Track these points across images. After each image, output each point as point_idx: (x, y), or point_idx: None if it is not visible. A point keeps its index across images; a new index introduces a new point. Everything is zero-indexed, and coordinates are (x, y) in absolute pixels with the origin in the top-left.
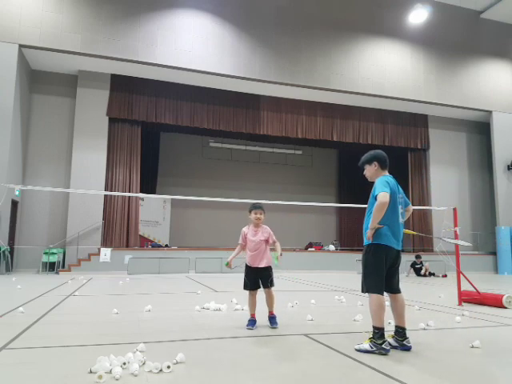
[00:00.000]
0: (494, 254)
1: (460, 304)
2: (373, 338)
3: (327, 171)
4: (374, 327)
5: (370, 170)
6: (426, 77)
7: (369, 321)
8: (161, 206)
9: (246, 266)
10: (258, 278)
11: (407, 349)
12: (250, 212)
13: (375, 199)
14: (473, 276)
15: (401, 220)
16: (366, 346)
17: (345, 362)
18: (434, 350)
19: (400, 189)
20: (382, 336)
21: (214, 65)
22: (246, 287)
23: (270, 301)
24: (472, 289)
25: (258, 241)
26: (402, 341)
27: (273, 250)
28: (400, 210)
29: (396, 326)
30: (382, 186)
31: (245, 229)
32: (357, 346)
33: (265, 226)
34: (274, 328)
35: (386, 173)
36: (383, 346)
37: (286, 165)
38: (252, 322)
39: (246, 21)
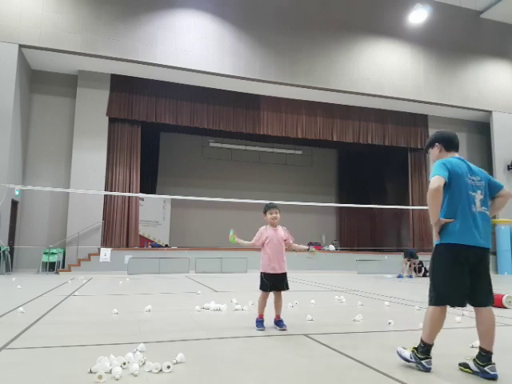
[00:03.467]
0: (494, 253)
1: None
2: (416, 348)
3: (327, 171)
4: (420, 339)
5: (433, 154)
6: (426, 77)
7: (369, 320)
8: (161, 206)
9: (266, 273)
10: (276, 282)
11: (490, 377)
12: (265, 213)
13: None
14: None
15: (479, 208)
16: (407, 353)
17: (345, 362)
18: (433, 350)
19: (475, 169)
20: (425, 352)
21: (214, 65)
22: (265, 288)
23: (279, 304)
24: None
25: (280, 238)
26: (484, 366)
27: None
28: (478, 196)
29: (479, 348)
30: (436, 169)
31: (263, 229)
32: (399, 349)
33: (282, 226)
34: (284, 330)
35: (455, 154)
36: (423, 362)
37: (286, 165)
38: (262, 323)
39: (245, 21)
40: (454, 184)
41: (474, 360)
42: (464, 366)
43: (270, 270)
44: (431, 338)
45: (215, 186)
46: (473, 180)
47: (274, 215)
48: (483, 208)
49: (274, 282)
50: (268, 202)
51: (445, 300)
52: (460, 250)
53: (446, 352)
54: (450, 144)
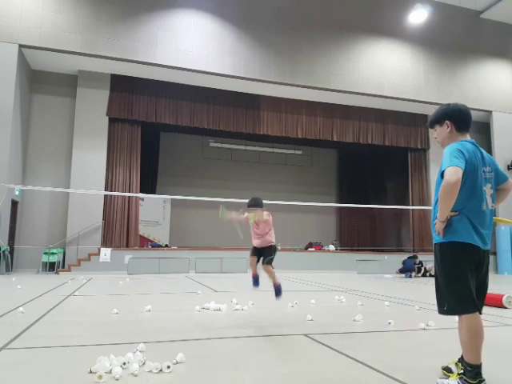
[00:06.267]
0: (494, 253)
1: None
2: (464, 374)
3: (327, 171)
4: (466, 363)
5: (440, 133)
6: (426, 77)
7: (369, 320)
8: (161, 205)
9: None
10: (259, 254)
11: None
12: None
13: (442, 177)
14: None
15: (490, 205)
16: (454, 383)
17: (345, 362)
18: (434, 350)
19: (487, 158)
20: (477, 375)
21: (214, 65)
22: (250, 254)
23: (267, 274)
24: None
25: (260, 232)
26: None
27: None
28: (488, 191)
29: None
30: (453, 156)
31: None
32: (439, 381)
33: (264, 215)
34: (278, 298)
35: (467, 136)
36: None
37: (286, 165)
38: (256, 280)
39: (245, 21)
40: (468, 177)
41: (456, 363)
42: (447, 370)
43: (254, 245)
44: (479, 357)
45: (215, 185)
46: (484, 172)
47: (251, 216)
48: (491, 205)
49: (256, 254)
50: (269, 202)
51: (466, 303)
52: (466, 248)
53: (446, 351)
54: (463, 123)
